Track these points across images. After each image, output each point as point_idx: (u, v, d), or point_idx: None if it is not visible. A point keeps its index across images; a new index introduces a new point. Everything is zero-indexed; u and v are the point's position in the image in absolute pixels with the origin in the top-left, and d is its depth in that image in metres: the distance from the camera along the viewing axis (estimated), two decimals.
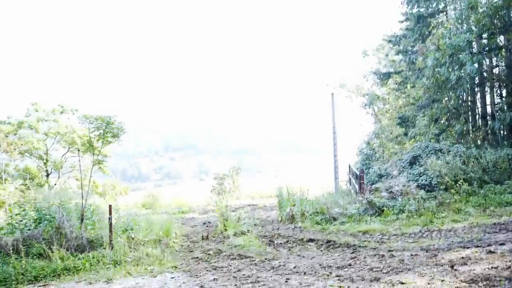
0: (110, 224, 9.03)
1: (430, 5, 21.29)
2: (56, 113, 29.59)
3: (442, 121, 18.26)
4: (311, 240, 8.88)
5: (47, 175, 28.34)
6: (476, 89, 17.86)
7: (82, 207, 9.52)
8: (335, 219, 10.22)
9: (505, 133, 15.74)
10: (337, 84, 32.45)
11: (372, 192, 10.99)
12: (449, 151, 12.44)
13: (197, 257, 8.52)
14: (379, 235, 8.51)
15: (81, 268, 7.84)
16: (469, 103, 18.20)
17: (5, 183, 26.82)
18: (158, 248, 8.99)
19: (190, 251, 9.20)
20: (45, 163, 28.29)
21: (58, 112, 29.62)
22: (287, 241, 9.15)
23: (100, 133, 10.04)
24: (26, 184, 27.99)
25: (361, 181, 11.48)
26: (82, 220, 9.33)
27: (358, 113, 31.45)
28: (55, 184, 28.65)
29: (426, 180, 11.36)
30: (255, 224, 12.32)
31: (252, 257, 8.00)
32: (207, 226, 14.27)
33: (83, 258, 8.22)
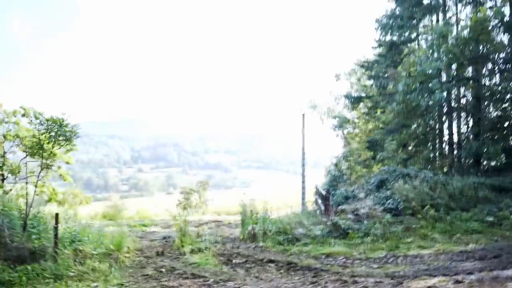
0: (55, 234, 8.29)
1: (403, 34, 21.60)
2: (17, 115, 28.38)
3: (410, 147, 18.33)
4: (271, 261, 8.38)
5: (2, 180, 26.90)
6: (444, 117, 18.10)
7: (26, 214, 8.71)
8: (298, 240, 9.75)
9: (470, 161, 15.86)
10: (309, 105, 32.43)
11: (337, 214, 10.67)
12: (417, 176, 12.30)
13: (148, 275, 7.85)
14: (342, 259, 8.10)
15: (16, 282, 7.06)
16: (437, 131, 18.40)
17: None
18: (106, 262, 8.28)
19: (142, 268, 8.52)
20: (0, 167, 26.89)
21: (20, 114, 28.43)
22: (246, 261, 8.60)
23: (51, 135, 9.31)
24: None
25: (326, 202, 11.15)
26: (24, 228, 8.53)
27: (328, 135, 31.58)
28: (11, 190, 27.25)
29: (392, 204, 11.06)
30: (215, 242, 11.75)
31: (206, 277, 7.43)
32: (166, 241, 13.58)
33: (20, 271, 7.45)
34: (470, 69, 17.16)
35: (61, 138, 9.46)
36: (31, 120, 10.67)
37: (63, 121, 9.22)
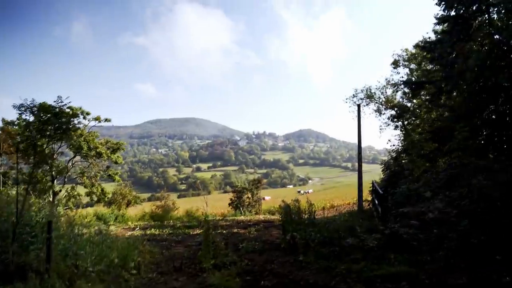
0: (48, 246, 6.86)
1: (471, 7, 18.61)
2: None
3: (484, 135, 15.29)
4: (308, 284, 6.42)
5: (52, 181, 26.81)
6: None
7: (15, 222, 7.32)
8: (347, 254, 7.65)
9: None
10: (365, 95, 29.84)
11: (398, 219, 8.43)
12: (501, 169, 9.65)
13: None
14: (405, 285, 5.98)
15: None
16: None
17: (4, 187, 25.41)
18: (103, 284, 6.70)
19: None
20: (50, 168, 26.77)
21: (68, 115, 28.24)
22: (276, 284, 6.70)
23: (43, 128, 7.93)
24: (27, 189, 26.42)
25: (384, 203, 8.98)
26: (13, 239, 7.14)
27: (386, 128, 28.96)
28: (60, 191, 27.16)
29: (470, 206, 8.58)
30: (252, 251, 10.07)
31: None
32: (201, 248, 12.13)
33: None
34: None
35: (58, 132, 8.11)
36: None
37: (55, 109, 7.83)
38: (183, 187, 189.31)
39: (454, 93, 18.13)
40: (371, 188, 17.59)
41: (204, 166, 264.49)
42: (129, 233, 18.54)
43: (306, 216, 10.28)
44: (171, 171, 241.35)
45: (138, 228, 20.78)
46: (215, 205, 49.86)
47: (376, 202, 11.83)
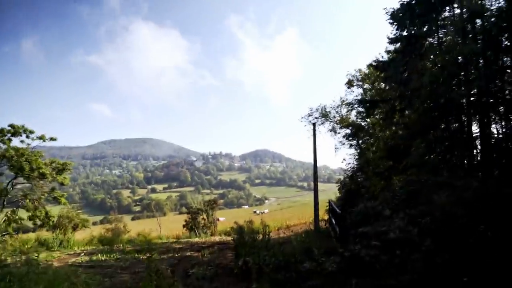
0: None
1: (422, 27, 18.97)
2: (7, 134, 26.28)
3: (440, 149, 15.13)
4: None
5: None
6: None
7: None
8: (304, 279, 6.99)
9: None
10: (320, 114, 29.79)
11: (358, 239, 7.86)
12: (461, 185, 9.33)
13: None
14: None
15: None
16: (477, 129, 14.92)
17: None
18: None
19: None
20: None
21: (9, 134, 26.33)
22: None
23: None
24: None
25: (341, 223, 8.42)
26: None
27: (341, 147, 28.97)
28: None
29: (433, 224, 8.11)
30: (202, 277, 9.21)
31: None
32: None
33: None
34: None
35: None
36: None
37: None
38: (137, 208, 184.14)
39: (407, 112, 18.20)
40: (328, 207, 17.20)
41: (159, 187, 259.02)
42: (73, 259, 17.14)
43: (260, 238, 9.48)
44: (125, 193, 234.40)
45: (83, 254, 19.30)
46: (170, 226, 48.17)
47: (334, 221, 11.30)
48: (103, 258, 16.99)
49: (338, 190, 22.91)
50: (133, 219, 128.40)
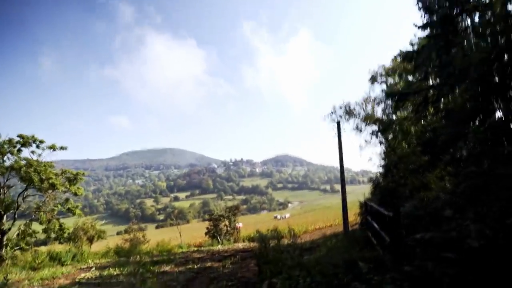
0: None
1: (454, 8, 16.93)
2: (17, 145, 25.20)
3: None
4: None
5: (0, 217, 23.55)
6: None
7: None
8: None
9: None
10: (344, 111, 27.97)
11: (418, 250, 5.91)
12: None
13: None
14: None
15: None
16: None
17: None
18: None
19: None
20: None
21: (18, 144, 25.24)
22: None
23: None
24: None
25: (394, 228, 6.52)
26: None
27: (366, 146, 27.17)
28: (9, 229, 23.85)
29: None
30: None
31: None
32: None
33: None
34: None
35: None
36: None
37: None
38: (161, 217, 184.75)
39: (443, 101, 16.18)
40: (363, 209, 15.30)
41: (182, 195, 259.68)
42: (82, 275, 15.72)
43: (289, 254, 7.50)
44: (149, 202, 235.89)
45: (94, 268, 17.90)
46: (193, 234, 47.12)
47: (376, 226, 9.37)
48: (114, 273, 15.51)
49: (373, 188, 21.02)
50: (157, 227, 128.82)
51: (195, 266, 16.08)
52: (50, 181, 24.12)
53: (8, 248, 22.96)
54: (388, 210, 8.65)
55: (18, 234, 24.68)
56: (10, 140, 24.50)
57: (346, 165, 23.12)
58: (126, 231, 35.25)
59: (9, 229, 23.70)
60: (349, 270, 5.96)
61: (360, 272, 5.82)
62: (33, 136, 25.27)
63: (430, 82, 18.37)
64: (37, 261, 20.90)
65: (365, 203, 14.69)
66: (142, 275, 12.23)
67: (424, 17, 18.27)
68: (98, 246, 29.60)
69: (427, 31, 19.13)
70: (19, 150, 24.93)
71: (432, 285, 4.52)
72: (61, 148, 25.63)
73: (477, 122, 12.35)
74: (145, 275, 12.74)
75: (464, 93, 12.69)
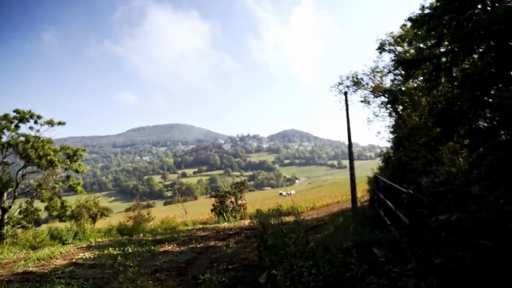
0: None
1: None
2: (14, 121, 24.42)
3: None
4: None
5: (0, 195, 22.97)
6: None
7: None
8: None
9: None
10: (351, 82, 26.73)
11: (443, 234, 4.91)
12: None
13: None
14: None
15: None
16: None
17: None
18: None
19: None
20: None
21: (16, 120, 24.46)
22: None
23: None
24: None
25: (414, 208, 5.60)
26: None
27: (375, 119, 26.16)
28: (10, 207, 23.29)
29: None
30: None
31: None
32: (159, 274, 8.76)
33: None
34: None
35: None
36: None
37: None
38: (169, 194, 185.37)
39: (456, 68, 14.96)
40: (374, 185, 14.37)
41: (189, 171, 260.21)
42: (80, 255, 15.06)
43: (293, 238, 6.44)
44: (156, 178, 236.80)
45: (93, 248, 17.26)
46: (201, 210, 46.69)
47: (391, 204, 8.40)
48: (114, 253, 14.85)
49: (383, 162, 20.08)
50: (165, 204, 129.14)
51: (198, 245, 15.49)
52: (49, 157, 23.40)
53: (9, 226, 22.46)
54: (403, 186, 7.73)
55: (20, 212, 24.20)
56: (5, 116, 23.74)
57: (353, 139, 22.18)
58: (130, 209, 34.61)
59: (10, 207, 23.17)
60: (362, 259, 5.03)
61: (375, 261, 4.91)
62: (30, 111, 24.49)
63: (443, 49, 17.09)
64: (37, 240, 20.39)
65: (376, 178, 13.75)
66: (121, 264, 11.32)
67: None
68: (103, 224, 29.11)
69: None
70: (17, 126, 24.19)
71: (467, 282, 3.60)
72: (59, 123, 24.86)
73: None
74: (126, 263, 11.75)
75: (487, 55, 11.52)
